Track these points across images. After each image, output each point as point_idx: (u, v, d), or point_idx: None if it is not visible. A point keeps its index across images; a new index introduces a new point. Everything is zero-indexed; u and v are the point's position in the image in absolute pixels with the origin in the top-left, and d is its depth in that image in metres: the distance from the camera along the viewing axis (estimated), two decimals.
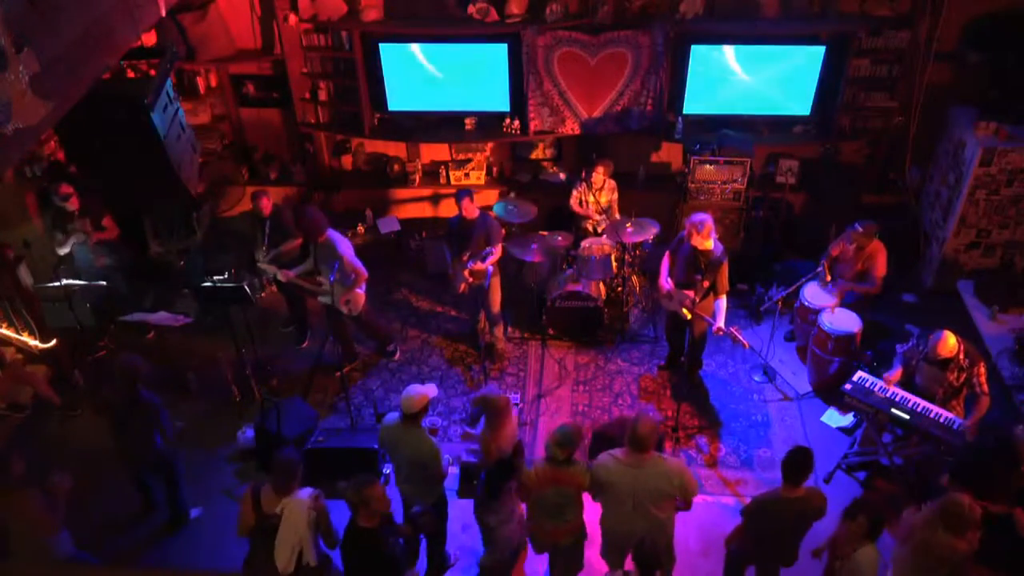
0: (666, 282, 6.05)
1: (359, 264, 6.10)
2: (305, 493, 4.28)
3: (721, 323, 5.74)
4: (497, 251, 6.37)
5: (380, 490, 4.02)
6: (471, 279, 6.35)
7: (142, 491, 5.57)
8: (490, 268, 6.35)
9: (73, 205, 6.49)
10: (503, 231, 6.53)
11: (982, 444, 4.75)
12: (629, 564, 4.63)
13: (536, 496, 4.35)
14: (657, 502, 4.24)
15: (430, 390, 4.61)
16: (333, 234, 6.06)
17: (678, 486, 4.21)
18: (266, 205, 6.52)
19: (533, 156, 8.12)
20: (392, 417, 4.67)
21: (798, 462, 4.10)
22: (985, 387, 5.13)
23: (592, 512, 4.52)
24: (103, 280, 6.57)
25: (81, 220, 6.55)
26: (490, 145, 8.08)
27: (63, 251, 6.59)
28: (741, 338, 5.62)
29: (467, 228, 6.34)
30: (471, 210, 6.30)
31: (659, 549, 4.06)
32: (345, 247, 6.04)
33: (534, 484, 4.30)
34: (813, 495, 4.17)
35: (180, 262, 7.39)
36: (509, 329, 7.14)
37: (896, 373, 5.36)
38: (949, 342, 5.05)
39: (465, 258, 6.32)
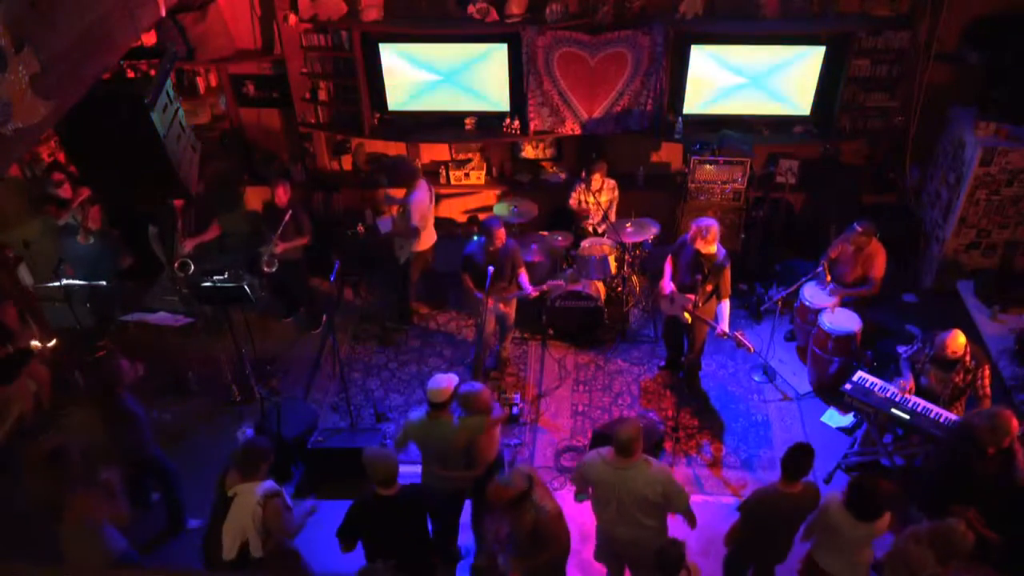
0: (668, 285, 6.05)
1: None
2: (262, 487, 4.10)
3: (725, 327, 5.74)
4: (531, 292, 6.12)
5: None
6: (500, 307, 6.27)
7: (135, 491, 5.47)
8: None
9: (66, 192, 6.52)
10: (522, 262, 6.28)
11: (948, 439, 4.78)
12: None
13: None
14: (643, 508, 4.11)
15: (452, 380, 4.52)
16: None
17: (661, 494, 4.05)
18: (281, 195, 6.56)
19: (525, 155, 8.04)
20: (416, 413, 4.61)
21: (799, 458, 4.09)
22: (988, 390, 5.12)
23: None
24: (102, 280, 6.56)
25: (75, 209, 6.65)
26: (480, 144, 8.01)
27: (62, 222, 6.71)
28: (746, 342, 5.60)
29: (493, 258, 6.02)
30: (501, 238, 5.99)
31: (678, 556, 4.00)
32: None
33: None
34: (809, 490, 4.18)
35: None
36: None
37: (910, 381, 5.33)
38: (958, 340, 5.04)
39: (491, 303, 6.03)
